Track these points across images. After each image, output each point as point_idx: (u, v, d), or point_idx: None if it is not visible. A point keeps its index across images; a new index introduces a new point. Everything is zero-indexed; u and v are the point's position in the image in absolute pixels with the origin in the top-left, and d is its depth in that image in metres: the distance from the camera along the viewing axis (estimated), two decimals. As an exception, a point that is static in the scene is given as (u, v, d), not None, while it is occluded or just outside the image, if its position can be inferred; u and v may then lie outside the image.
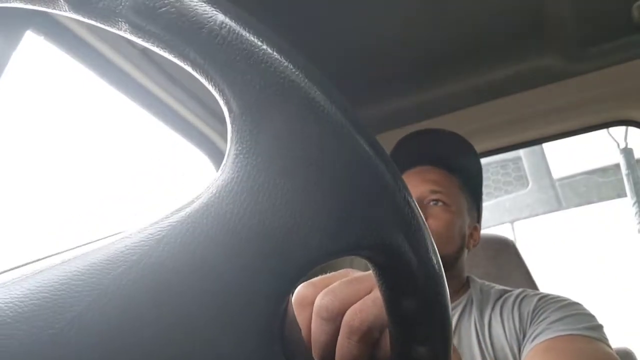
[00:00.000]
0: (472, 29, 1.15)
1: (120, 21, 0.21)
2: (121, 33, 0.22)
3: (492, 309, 0.89)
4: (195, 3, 0.21)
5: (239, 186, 0.20)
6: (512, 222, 5.94)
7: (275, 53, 0.21)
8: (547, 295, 0.86)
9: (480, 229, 1.03)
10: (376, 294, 0.31)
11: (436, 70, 1.28)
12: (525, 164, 6.01)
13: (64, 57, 0.92)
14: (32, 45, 0.85)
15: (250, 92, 0.21)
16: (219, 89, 0.21)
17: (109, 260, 0.20)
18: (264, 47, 0.21)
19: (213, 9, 0.21)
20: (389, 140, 1.34)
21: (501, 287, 0.96)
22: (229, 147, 0.21)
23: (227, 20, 0.21)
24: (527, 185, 6.03)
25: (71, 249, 0.21)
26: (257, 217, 0.20)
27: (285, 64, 0.21)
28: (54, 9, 0.22)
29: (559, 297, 0.85)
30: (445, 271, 0.82)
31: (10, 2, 0.23)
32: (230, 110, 0.21)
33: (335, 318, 0.31)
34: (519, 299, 0.87)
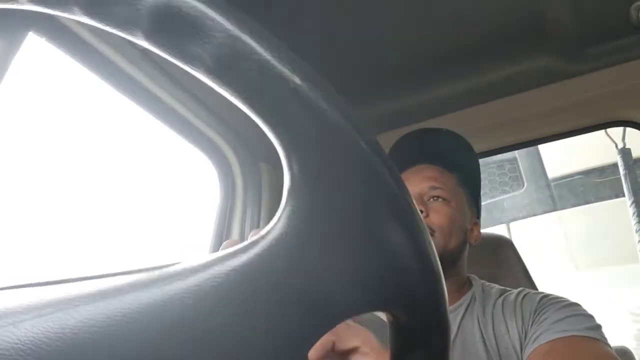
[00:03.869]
0: (472, 29, 1.15)
1: (198, 64, 0.22)
2: (192, 72, 0.22)
3: (494, 306, 0.89)
4: (279, 61, 0.21)
5: (292, 243, 0.22)
6: (508, 222, 5.96)
7: (346, 121, 0.22)
8: (548, 295, 0.87)
9: (480, 225, 1.04)
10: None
11: (436, 70, 1.28)
12: (521, 164, 6.04)
13: (66, 59, 0.92)
14: (35, 47, 0.84)
15: (317, 158, 0.22)
16: (284, 147, 0.22)
17: (164, 301, 0.20)
18: (337, 114, 0.21)
19: (295, 69, 0.21)
20: (389, 141, 1.35)
21: (501, 287, 0.97)
22: (285, 201, 0.22)
23: (307, 85, 0.21)
24: (523, 185, 6.05)
25: (121, 275, 0.22)
26: (304, 274, 0.21)
27: (355, 135, 0.22)
28: (133, 38, 0.23)
29: (559, 297, 0.86)
30: (449, 268, 0.82)
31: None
32: (291, 168, 0.22)
33: None
34: (520, 297, 0.88)
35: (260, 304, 0.21)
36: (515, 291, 0.91)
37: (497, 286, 0.97)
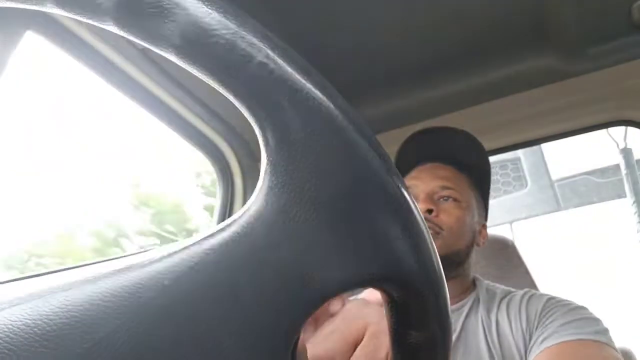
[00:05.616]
0: (472, 28, 1.15)
1: (166, 44, 0.22)
2: (164, 54, 0.22)
3: (499, 307, 0.89)
4: (246, 35, 0.21)
5: (270, 218, 0.21)
6: (510, 222, 5.95)
7: (319, 92, 0.21)
8: (554, 297, 0.87)
9: (487, 227, 1.04)
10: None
11: (436, 70, 1.28)
12: (524, 164, 6.02)
13: (64, 57, 0.92)
14: (32, 45, 0.84)
15: (290, 128, 0.21)
16: (258, 122, 0.22)
17: (140, 283, 0.20)
18: (309, 85, 0.21)
19: (262, 42, 0.21)
20: (389, 140, 1.34)
21: (506, 287, 0.97)
22: (263, 178, 0.22)
23: (275, 55, 0.21)
24: (526, 185, 6.03)
25: (100, 264, 0.22)
26: (285, 249, 0.21)
27: (328, 104, 0.21)
28: (100, 24, 0.22)
29: (565, 300, 0.85)
30: (455, 268, 0.82)
31: (49, 7, 0.23)
32: (267, 143, 0.22)
33: None
34: (525, 298, 0.88)
35: (240, 284, 0.20)
36: (521, 292, 0.91)
37: (501, 287, 0.97)
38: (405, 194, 0.23)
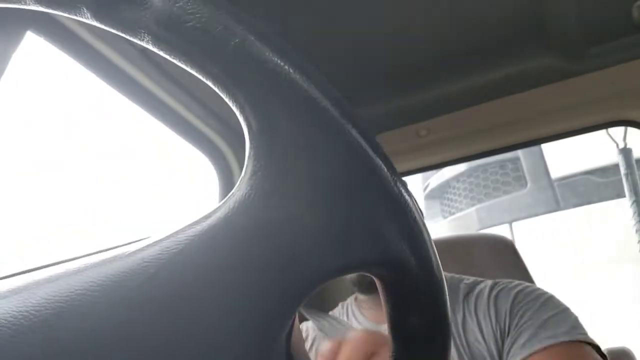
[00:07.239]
0: (472, 29, 1.15)
1: (143, 32, 0.21)
2: (142, 43, 0.22)
3: (464, 304, 0.86)
4: (221, 19, 0.21)
5: (255, 203, 0.21)
6: (510, 222, 5.95)
7: (297, 73, 0.21)
8: (522, 290, 0.83)
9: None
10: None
11: (436, 70, 1.28)
12: (524, 164, 6.02)
13: (64, 57, 0.92)
14: (33, 45, 0.84)
15: (270, 110, 0.21)
16: (239, 106, 0.21)
17: (126, 272, 0.20)
18: (287, 67, 0.21)
19: (239, 25, 0.21)
20: (389, 140, 1.34)
21: (472, 278, 0.93)
22: (247, 163, 0.22)
23: (251, 37, 0.21)
24: (526, 185, 6.03)
25: (85, 257, 0.21)
26: (271, 233, 0.21)
27: (308, 84, 0.21)
28: (76, 15, 0.22)
29: (533, 291, 0.83)
30: None
31: (29, 5, 0.23)
32: (249, 127, 0.21)
33: None
34: (493, 294, 0.84)
35: (226, 270, 0.20)
36: (488, 285, 0.88)
37: (467, 279, 0.93)
38: (394, 174, 0.22)
